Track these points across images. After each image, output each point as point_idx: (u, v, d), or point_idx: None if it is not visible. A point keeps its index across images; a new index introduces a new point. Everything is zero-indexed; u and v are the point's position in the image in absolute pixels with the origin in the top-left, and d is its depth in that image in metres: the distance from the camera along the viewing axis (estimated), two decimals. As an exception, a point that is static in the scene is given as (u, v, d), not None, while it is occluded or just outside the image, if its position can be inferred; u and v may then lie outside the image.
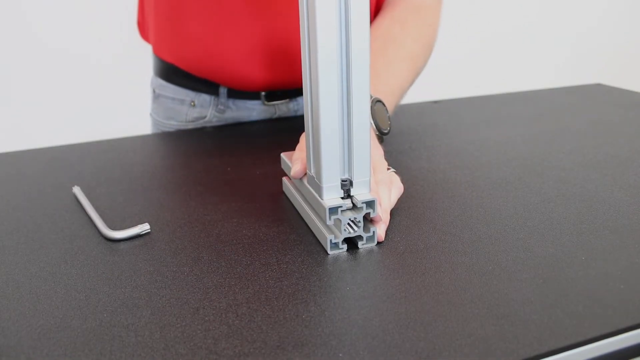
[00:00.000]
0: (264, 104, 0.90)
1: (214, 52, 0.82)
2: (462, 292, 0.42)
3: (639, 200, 0.56)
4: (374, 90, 0.66)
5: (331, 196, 0.48)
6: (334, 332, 0.38)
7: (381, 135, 0.66)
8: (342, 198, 0.48)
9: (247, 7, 0.78)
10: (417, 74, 0.77)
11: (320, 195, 0.48)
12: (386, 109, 0.66)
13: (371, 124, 0.59)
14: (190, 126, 0.91)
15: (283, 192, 0.62)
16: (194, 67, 0.85)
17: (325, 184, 0.48)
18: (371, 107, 0.60)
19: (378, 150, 0.58)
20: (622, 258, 0.45)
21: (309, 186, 0.52)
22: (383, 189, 0.52)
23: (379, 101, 0.65)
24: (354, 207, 0.48)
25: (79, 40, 1.55)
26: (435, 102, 1.02)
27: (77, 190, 0.62)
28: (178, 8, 0.81)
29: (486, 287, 0.42)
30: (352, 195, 0.48)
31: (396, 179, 0.57)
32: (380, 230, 0.49)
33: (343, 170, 0.48)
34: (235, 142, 0.82)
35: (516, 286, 0.42)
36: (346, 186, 0.48)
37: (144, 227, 0.53)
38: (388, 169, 0.57)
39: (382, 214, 0.50)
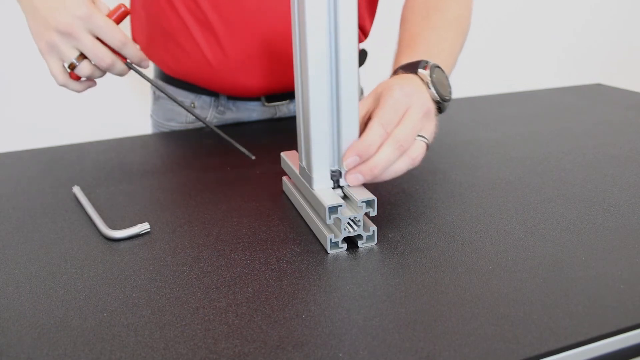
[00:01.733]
0: (264, 105, 0.90)
1: (209, 65, 0.80)
2: (462, 292, 0.42)
3: (639, 200, 0.56)
4: (429, 56, 0.61)
5: (321, 186, 0.50)
6: (334, 332, 0.38)
7: (442, 103, 0.58)
8: (333, 188, 0.50)
9: (240, 19, 0.77)
10: (464, 36, 0.73)
11: (311, 185, 0.50)
12: (445, 75, 0.61)
13: (433, 92, 0.56)
14: (191, 127, 0.91)
15: (283, 192, 0.62)
16: (190, 78, 0.85)
17: (316, 174, 0.50)
18: (430, 74, 0.57)
19: (424, 106, 0.53)
20: (622, 258, 0.45)
21: (304, 181, 0.52)
22: (377, 126, 0.48)
23: (437, 67, 0.59)
24: (345, 197, 0.50)
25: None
26: (435, 102, 1.02)
27: (77, 190, 0.62)
28: (170, 24, 0.80)
29: (486, 287, 0.42)
30: (342, 186, 0.50)
31: (416, 147, 0.51)
32: (347, 158, 0.48)
33: (333, 162, 0.50)
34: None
35: (516, 286, 0.42)
36: (336, 177, 0.50)
37: (144, 227, 0.53)
38: (421, 136, 0.52)
39: (356, 152, 0.48)
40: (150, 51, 0.87)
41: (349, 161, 0.48)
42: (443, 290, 0.42)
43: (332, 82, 0.47)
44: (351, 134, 0.49)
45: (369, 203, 0.47)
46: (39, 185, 0.66)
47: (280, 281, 0.44)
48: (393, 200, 0.58)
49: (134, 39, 0.91)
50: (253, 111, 0.91)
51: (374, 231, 0.49)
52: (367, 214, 0.48)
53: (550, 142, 0.76)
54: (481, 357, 0.35)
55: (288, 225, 0.54)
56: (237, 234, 0.52)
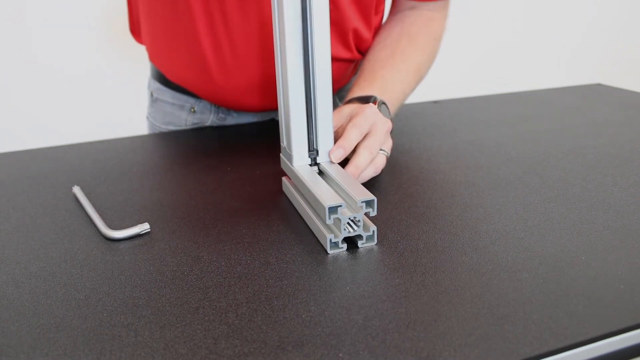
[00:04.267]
0: (265, 111, 0.90)
1: (213, 82, 0.80)
2: (462, 292, 0.42)
3: (639, 200, 0.56)
4: (381, 93, 0.72)
5: (300, 163, 0.57)
6: (334, 332, 0.38)
7: None
8: (310, 165, 0.57)
9: (249, 49, 0.76)
10: (420, 80, 0.82)
11: (291, 162, 0.56)
12: (389, 112, 0.71)
13: None
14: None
15: (283, 192, 0.62)
16: (191, 87, 0.85)
17: (295, 152, 0.56)
18: (378, 107, 0.67)
19: (386, 125, 0.64)
20: (622, 258, 0.45)
21: (301, 177, 0.53)
22: (354, 131, 0.58)
23: (384, 103, 0.70)
24: (321, 173, 0.56)
25: (79, 39, 1.55)
26: (435, 102, 1.02)
27: (77, 190, 0.62)
28: (187, 34, 0.79)
29: (486, 287, 0.42)
30: (319, 163, 0.57)
31: (379, 158, 0.61)
32: (333, 152, 0.56)
33: (310, 143, 0.57)
34: (235, 142, 0.82)
35: (516, 286, 0.42)
36: (313, 155, 0.57)
37: (144, 227, 0.53)
38: (382, 150, 0.62)
39: (341, 146, 0.56)
40: (154, 53, 0.86)
41: (335, 154, 0.56)
42: (443, 290, 0.42)
43: (308, 71, 0.53)
44: (326, 118, 0.55)
45: (369, 203, 0.47)
46: (39, 185, 0.66)
47: (280, 281, 0.44)
48: (393, 200, 0.58)
49: (135, 36, 0.91)
50: (254, 116, 0.91)
51: (374, 231, 0.49)
52: (367, 214, 0.48)
53: (550, 142, 0.76)
54: (481, 357, 0.35)
55: (288, 225, 0.54)
56: (237, 234, 0.52)
